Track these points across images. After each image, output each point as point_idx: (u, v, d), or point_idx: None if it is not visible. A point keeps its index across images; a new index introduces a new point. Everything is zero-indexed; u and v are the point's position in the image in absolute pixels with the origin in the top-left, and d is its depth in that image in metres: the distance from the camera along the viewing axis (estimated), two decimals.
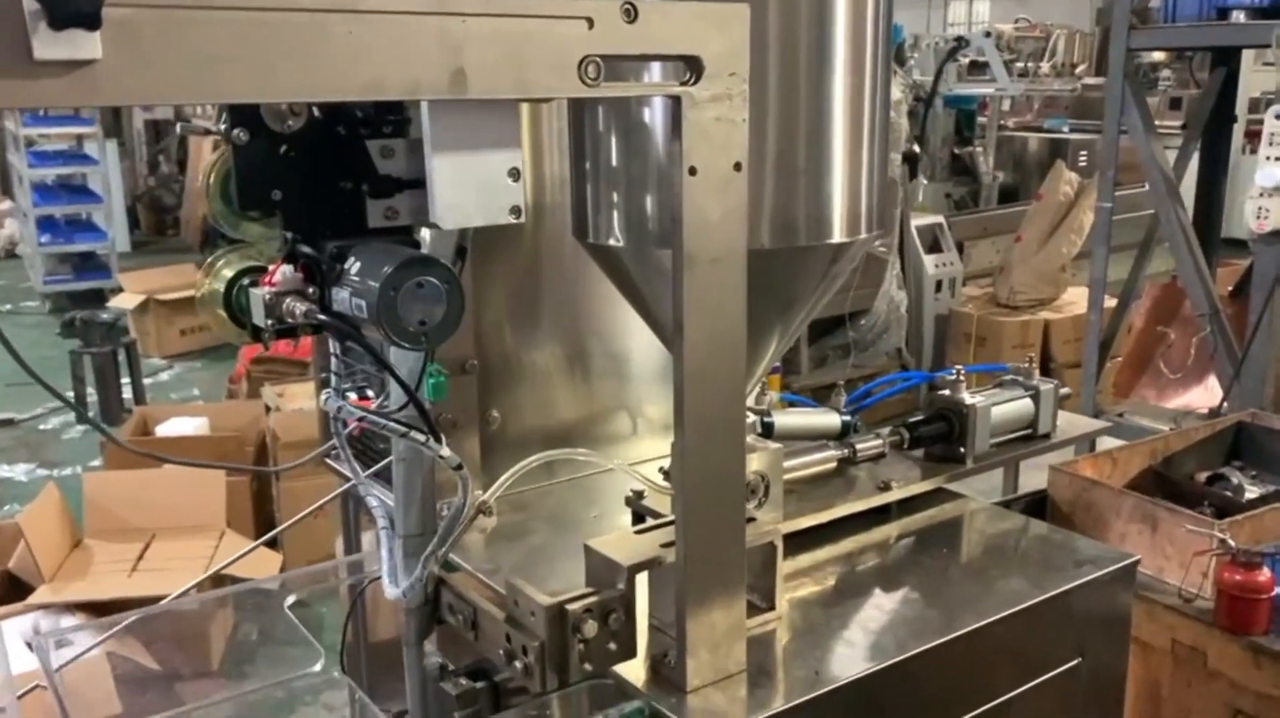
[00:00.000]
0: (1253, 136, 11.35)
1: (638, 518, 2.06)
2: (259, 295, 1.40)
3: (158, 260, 11.99)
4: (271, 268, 1.41)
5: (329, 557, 5.44)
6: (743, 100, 1.39)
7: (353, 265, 1.38)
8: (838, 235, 1.73)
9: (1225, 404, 3.75)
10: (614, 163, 1.75)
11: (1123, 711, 1.99)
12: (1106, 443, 3.59)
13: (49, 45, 0.94)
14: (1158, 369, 4.27)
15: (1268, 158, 3.57)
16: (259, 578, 2.44)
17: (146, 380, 8.27)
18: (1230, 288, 4.39)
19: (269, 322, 1.40)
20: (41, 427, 7.66)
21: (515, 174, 1.34)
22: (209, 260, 1.56)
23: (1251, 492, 3.25)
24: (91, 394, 7.75)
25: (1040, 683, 1.82)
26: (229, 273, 1.50)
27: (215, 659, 4.74)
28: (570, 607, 1.49)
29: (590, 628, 1.50)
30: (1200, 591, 2.77)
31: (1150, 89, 17.10)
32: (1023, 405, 2.32)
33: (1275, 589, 2.69)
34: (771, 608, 1.71)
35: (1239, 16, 3.77)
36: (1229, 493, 3.25)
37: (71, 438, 7.49)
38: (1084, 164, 10.75)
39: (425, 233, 1.57)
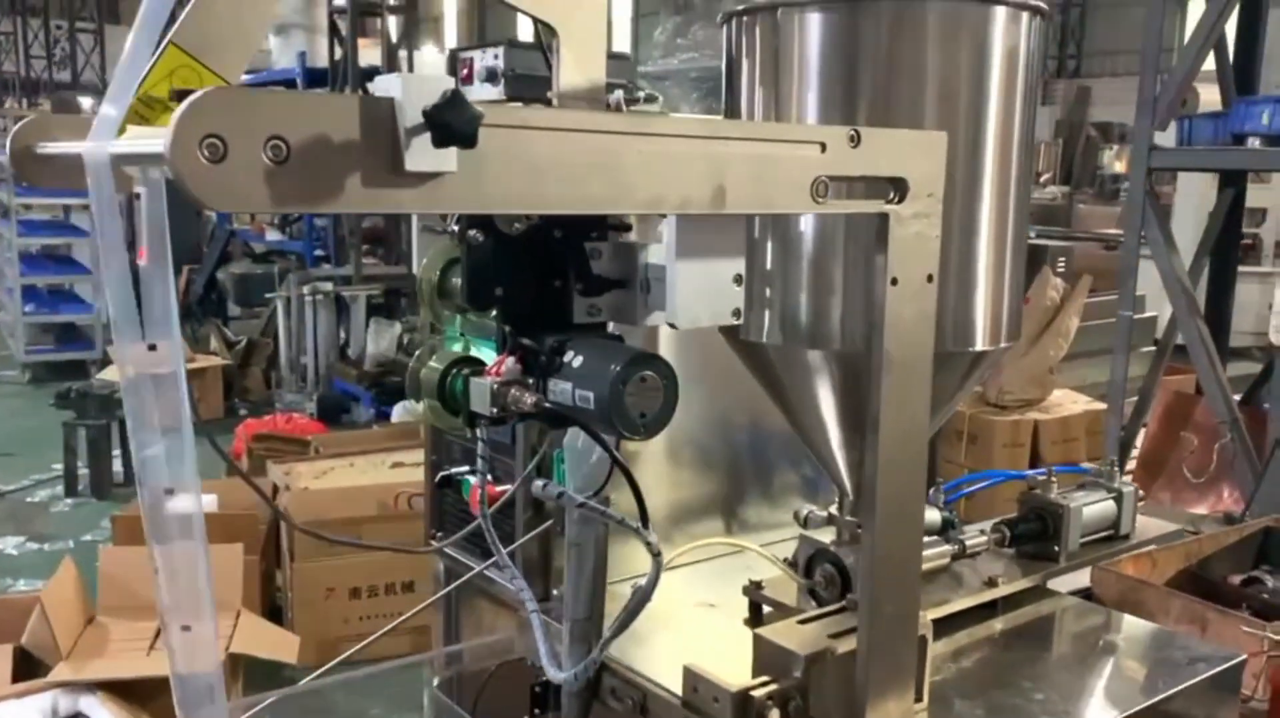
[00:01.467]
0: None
1: (755, 608, 2.14)
2: (485, 385, 1.47)
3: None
4: (497, 360, 1.48)
5: (340, 638, 5.39)
6: (938, 218, 1.50)
7: (574, 359, 1.47)
8: (980, 343, 1.85)
9: (1247, 510, 3.89)
10: (769, 266, 1.85)
11: None
12: None
13: (419, 159, 1.03)
14: (1176, 473, 4.43)
15: None
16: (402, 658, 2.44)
17: None
18: (1239, 396, 4.58)
19: (493, 410, 1.47)
20: (29, 499, 7.53)
21: (739, 279, 1.44)
22: (419, 351, 1.64)
23: None
24: (82, 468, 7.64)
25: None
26: (438, 364, 1.57)
27: None
28: (755, 693, 1.55)
29: (774, 715, 1.56)
30: (1254, 692, 2.86)
31: (1112, 199, 17.78)
32: (1107, 507, 2.43)
33: None
34: (919, 700, 1.77)
35: (1254, 142, 4.02)
36: (1266, 596, 3.37)
37: (61, 511, 7.36)
38: (1062, 270, 11.09)
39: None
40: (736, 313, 1.46)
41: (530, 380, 1.49)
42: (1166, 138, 4.39)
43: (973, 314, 1.84)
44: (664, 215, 1.43)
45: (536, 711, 2.06)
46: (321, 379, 10.40)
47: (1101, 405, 7.47)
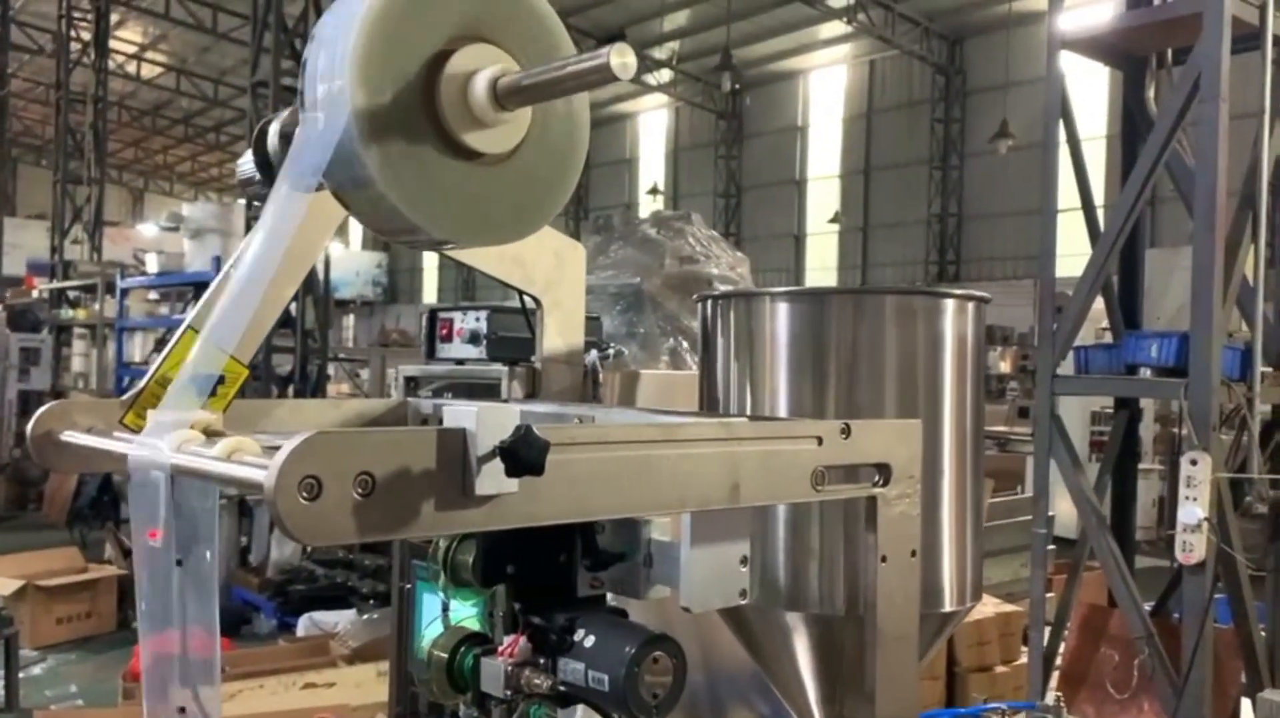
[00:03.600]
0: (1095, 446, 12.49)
1: None
2: (498, 667, 1.51)
3: (19, 539, 11.38)
4: (509, 642, 1.53)
5: None
6: (918, 498, 1.64)
7: (585, 638, 1.52)
8: (948, 605, 1.97)
9: None
10: None
11: None
12: None
13: (487, 483, 1.12)
14: (1098, 686, 4.56)
15: (1186, 498, 4.05)
16: None
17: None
18: (1150, 604, 4.78)
19: (506, 692, 1.51)
20: None
21: (745, 561, 1.54)
22: (428, 634, 1.68)
23: None
24: None
25: None
26: (445, 642, 1.61)
27: None
28: None
29: None
30: None
31: (998, 398, 18.63)
32: None
33: None
34: None
35: (1145, 372, 4.38)
36: None
37: None
38: None
39: None
40: (743, 593, 1.55)
41: (541, 660, 1.53)
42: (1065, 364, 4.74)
43: (940, 579, 1.96)
44: None
45: None
46: (221, 588, 10.01)
47: (1010, 607, 7.66)
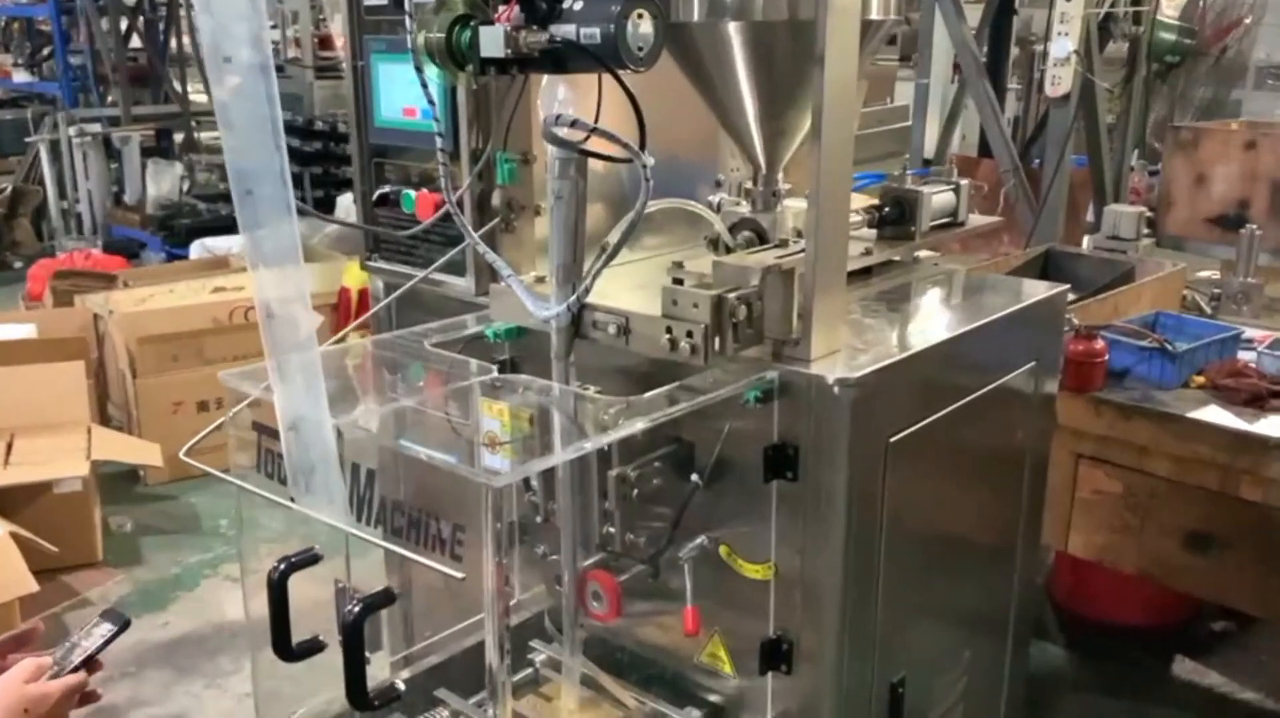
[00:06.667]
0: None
1: (678, 283, 2.46)
2: (498, 30, 1.67)
3: None
4: (504, 9, 1.68)
5: (192, 452, 5.41)
6: None
7: (574, 5, 1.69)
8: (875, 13, 2.18)
9: (1029, 241, 4.55)
10: None
11: (1056, 410, 2.61)
12: None
13: None
14: None
15: (1059, 34, 4.35)
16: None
17: None
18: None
19: (507, 51, 1.68)
20: None
21: None
22: (420, 17, 1.78)
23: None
24: None
25: (1013, 376, 2.38)
26: (439, 25, 1.74)
27: (99, 549, 4.70)
28: (727, 296, 1.88)
29: (741, 312, 1.89)
30: None
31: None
32: (949, 197, 2.86)
33: (1106, 356, 3.44)
34: None
35: None
36: None
37: None
38: None
39: None
40: None
41: (534, 27, 1.70)
42: None
43: None
44: None
45: None
46: (100, 227, 9.86)
47: (871, 200, 8.21)
